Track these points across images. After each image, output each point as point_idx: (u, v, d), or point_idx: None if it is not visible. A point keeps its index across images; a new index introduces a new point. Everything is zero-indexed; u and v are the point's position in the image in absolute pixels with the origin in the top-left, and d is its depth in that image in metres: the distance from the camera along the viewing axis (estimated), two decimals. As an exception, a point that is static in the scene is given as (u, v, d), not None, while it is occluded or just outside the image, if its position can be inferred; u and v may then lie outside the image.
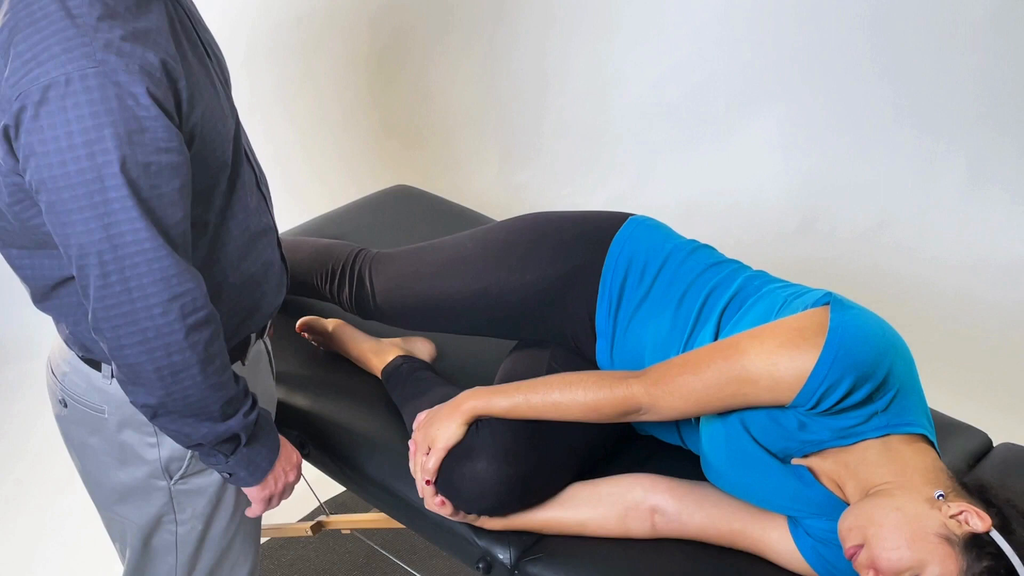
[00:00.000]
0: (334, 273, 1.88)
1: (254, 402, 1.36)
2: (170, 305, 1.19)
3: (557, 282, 1.67)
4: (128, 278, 1.16)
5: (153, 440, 1.41)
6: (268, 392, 1.59)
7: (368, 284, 1.82)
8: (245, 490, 1.47)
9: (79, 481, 1.59)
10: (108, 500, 1.53)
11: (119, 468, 1.46)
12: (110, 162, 1.10)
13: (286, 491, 1.51)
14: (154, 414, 1.28)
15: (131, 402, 1.28)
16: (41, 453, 2.59)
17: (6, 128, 1.12)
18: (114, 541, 1.64)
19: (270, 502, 1.49)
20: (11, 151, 1.14)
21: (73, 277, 1.25)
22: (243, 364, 1.47)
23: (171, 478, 1.45)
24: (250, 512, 1.52)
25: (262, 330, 1.51)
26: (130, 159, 1.11)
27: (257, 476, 1.43)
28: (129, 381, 1.25)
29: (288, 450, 1.48)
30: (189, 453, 1.43)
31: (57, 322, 1.40)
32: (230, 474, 1.41)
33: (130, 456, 1.43)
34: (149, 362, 1.21)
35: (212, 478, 1.47)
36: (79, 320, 1.33)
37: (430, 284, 1.76)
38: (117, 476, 1.47)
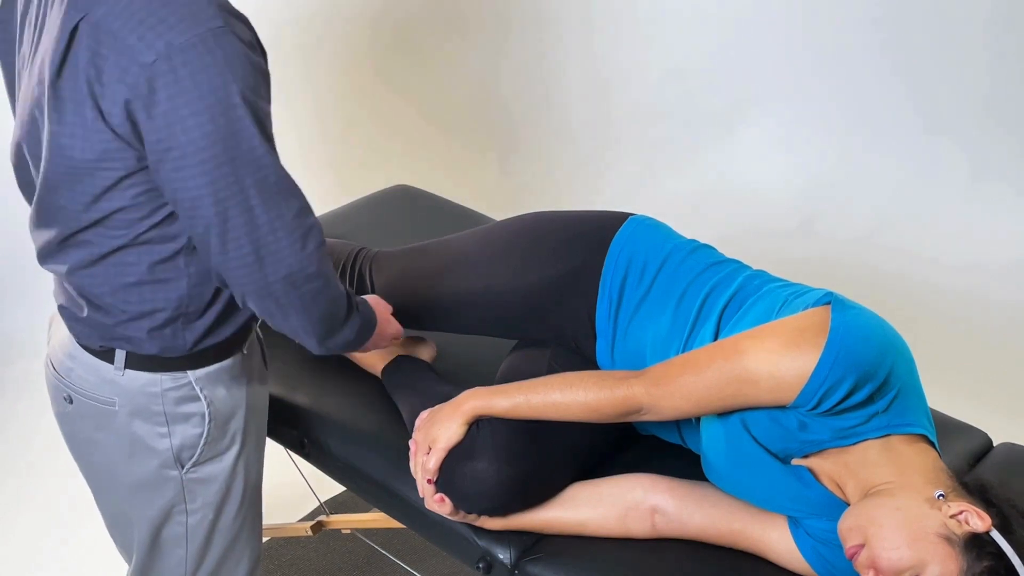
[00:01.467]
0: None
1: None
2: (306, 240, 1.28)
3: (558, 281, 1.67)
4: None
5: (164, 430, 1.42)
6: (262, 377, 1.58)
7: (368, 283, 1.82)
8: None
9: (82, 481, 1.59)
10: (116, 497, 1.53)
11: (129, 461, 1.46)
12: (242, 116, 1.20)
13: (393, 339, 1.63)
14: (321, 340, 1.39)
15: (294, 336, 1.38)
16: (43, 453, 2.60)
17: (134, 88, 1.17)
18: (120, 548, 1.64)
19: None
20: (132, 111, 1.18)
21: (133, 243, 1.29)
22: (243, 353, 1.48)
23: (183, 467, 1.46)
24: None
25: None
26: (252, 107, 1.21)
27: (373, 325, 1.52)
28: (280, 315, 1.33)
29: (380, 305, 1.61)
30: (202, 441, 1.44)
31: (81, 297, 1.36)
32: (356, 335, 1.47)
33: (140, 448, 1.44)
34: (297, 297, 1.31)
35: (222, 465, 1.49)
36: (119, 290, 1.33)
37: (431, 283, 1.76)
38: (127, 470, 1.47)
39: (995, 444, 1.81)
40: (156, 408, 1.41)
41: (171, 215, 1.29)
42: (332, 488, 2.35)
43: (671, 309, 1.59)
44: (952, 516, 1.30)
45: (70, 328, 1.41)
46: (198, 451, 1.45)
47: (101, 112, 1.20)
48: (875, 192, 3.54)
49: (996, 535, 1.28)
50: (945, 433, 1.66)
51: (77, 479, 1.63)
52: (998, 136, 3.45)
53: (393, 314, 1.75)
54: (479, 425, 1.52)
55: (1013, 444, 1.81)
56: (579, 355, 1.69)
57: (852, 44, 3.53)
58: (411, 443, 1.57)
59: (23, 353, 2.83)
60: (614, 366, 1.64)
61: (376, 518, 2.03)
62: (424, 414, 1.58)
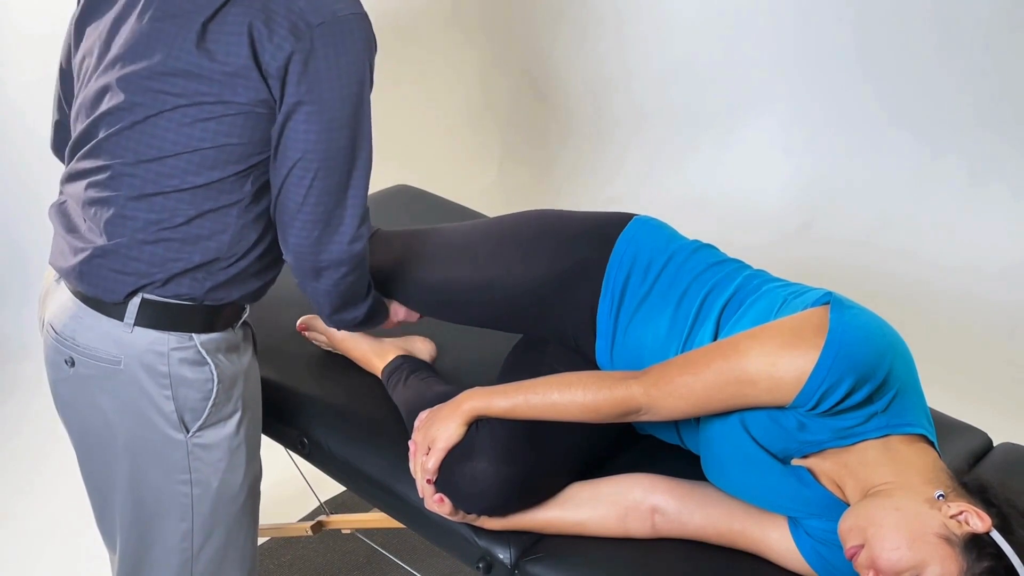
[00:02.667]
0: None
1: None
2: (363, 222, 1.48)
3: (561, 276, 1.66)
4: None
5: (168, 392, 1.46)
6: (253, 357, 1.62)
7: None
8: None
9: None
10: (115, 468, 1.53)
11: (134, 424, 1.48)
12: (368, 92, 1.42)
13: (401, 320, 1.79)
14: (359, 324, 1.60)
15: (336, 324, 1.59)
16: (45, 452, 2.60)
17: (300, 42, 1.33)
18: (105, 534, 1.63)
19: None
20: (290, 63, 1.34)
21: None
22: (233, 330, 1.53)
23: (188, 431, 1.49)
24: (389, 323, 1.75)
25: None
26: (371, 87, 1.43)
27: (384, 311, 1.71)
28: (312, 278, 1.50)
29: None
30: (210, 403, 1.49)
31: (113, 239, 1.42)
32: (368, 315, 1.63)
33: (147, 408, 1.46)
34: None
35: (226, 431, 1.53)
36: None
37: (431, 270, 1.74)
38: (132, 433, 1.49)
39: (995, 444, 1.81)
40: (162, 368, 1.45)
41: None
42: (332, 488, 2.35)
43: (671, 309, 1.58)
44: (952, 516, 1.30)
45: (82, 280, 1.44)
46: (205, 414, 1.49)
47: (256, 54, 1.34)
48: (875, 193, 3.54)
49: (996, 535, 1.28)
50: (945, 433, 1.66)
51: (80, 478, 1.63)
52: (997, 138, 3.45)
53: (387, 296, 1.78)
54: (478, 425, 1.52)
55: (1013, 444, 1.81)
56: (578, 355, 1.69)
57: (852, 46, 3.53)
58: (410, 443, 1.57)
59: (28, 353, 2.83)
60: (613, 366, 1.64)
61: (376, 518, 2.03)
62: (423, 414, 1.58)
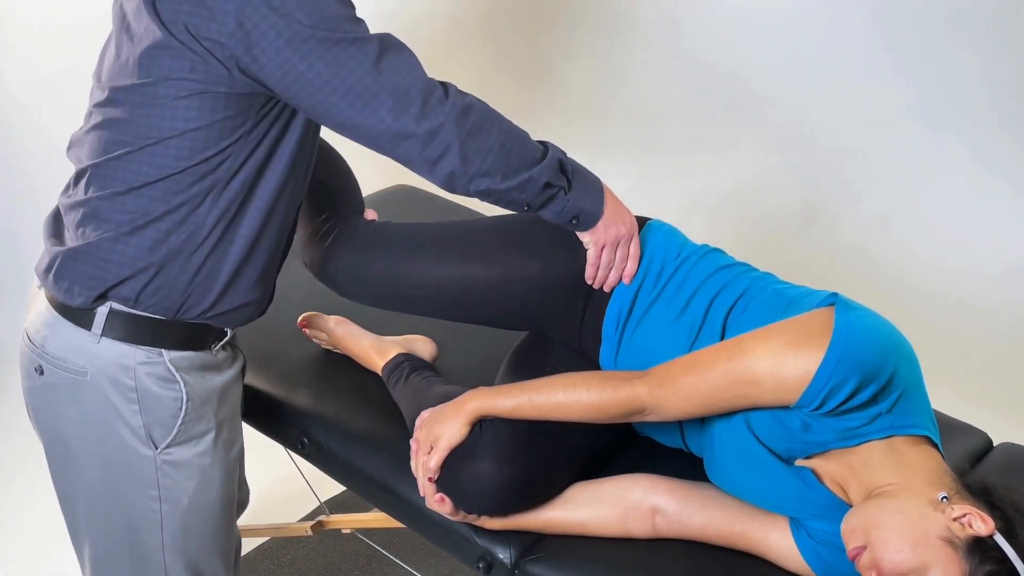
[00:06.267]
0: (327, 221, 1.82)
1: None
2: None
3: (577, 277, 1.64)
4: None
5: (136, 407, 1.43)
6: (235, 378, 1.58)
7: (338, 252, 1.76)
8: (580, 235, 1.56)
9: None
10: (84, 478, 1.51)
11: (101, 436, 1.46)
12: None
13: (619, 244, 1.58)
14: (496, 182, 1.42)
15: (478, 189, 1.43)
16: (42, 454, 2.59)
17: None
18: (76, 546, 1.61)
19: (601, 257, 1.58)
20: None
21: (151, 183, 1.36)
22: (211, 351, 1.49)
23: (156, 447, 1.46)
24: (588, 267, 1.59)
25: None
26: None
27: (599, 200, 1.52)
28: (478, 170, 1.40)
29: (616, 202, 1.57)
30: (179, 422, 1.45)
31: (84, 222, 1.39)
32: (576, 218, 1.51)
33: (113, 420, 1.44)
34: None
35: (197, 449, 1.49)
36: (123, 236, 1.38)
37: (442, 267, 1.70)
38: (99, 446, 1.47)
39: (995, 444, 1.81)
40: (128, 382, 1.42)
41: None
42: (332, 488, 2.35)
43: (679, 311, 1.58)
44: (955, 519, 1.30)
45: (55, 284, 1.42)
46: (174, 431, 1.46)
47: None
48: (876, 193, 3.54)
49: (1000, 539, 1.27)
50: (945, 433, 1.66)
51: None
52: (1001, 137, 3.45)
53: (386, 301, 1.75)
54: (482, 426, 1.51)
55: (1013, 444, 1.81)
56: (581, 356, 1.69)
57: (853, 44, 3.53)
58: (412, 442, 1.57)
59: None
60: (617, 367, 1.63)
61: (376, 518, 2.03)
62: (425, 413, 1.58)
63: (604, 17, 3.67)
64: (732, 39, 3.61)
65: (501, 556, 1.56)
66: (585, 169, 1.55)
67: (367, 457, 1.72)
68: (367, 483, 1.72)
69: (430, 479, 1.52)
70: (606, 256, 1.58)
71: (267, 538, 2.35)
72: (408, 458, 1.58)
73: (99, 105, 1.40)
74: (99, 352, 1.42)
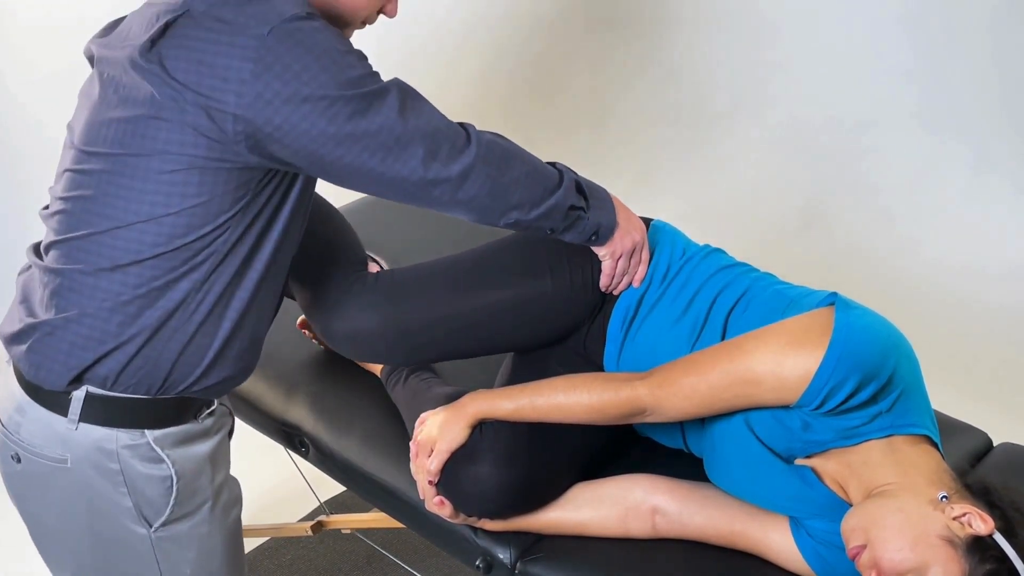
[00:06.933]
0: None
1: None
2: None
3: (586, 285, 1.63)
4: None
5: (124, 489, 1.35)
6: (223, 448, 1.48)
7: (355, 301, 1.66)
8: (596, 249, 1.56)
9: None
10: (75, 556, 1.42)
11: (90, 519, 1.38)
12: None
13: (634, 252, 1.59)
14: (526, 213, 1.41)
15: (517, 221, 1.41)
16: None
17: None
18: None
19: (617, 266, 1.58)
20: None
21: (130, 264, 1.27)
22: (197, 420, 1.39)
23: (151, 526, 1.38)
24: (604, 276, 1.59)
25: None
26: None
27: (612, 212, 1.52)
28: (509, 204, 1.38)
29: (625, 210, 1.57)
30: (171, 502, 1.37)
31: (51, 336, 1.30)
32: (595, 234, 1.50)
33: (102, 504, 1.36)
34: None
35: (194, 520, 1.42)
36: (106, 313, 1.28)
37: (465, 299, 1.62)
38: (89, 527, 1.38)
39: (995, 444, 1.81)
40: (112, 466, 1.33)
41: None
42: (332, 488, 2.35)
43: (680, 312, 1.58)
44: (955, 518, 1.30)
45: (27, 359, 1.32)
46: (168, 511, 1.38)
47: None
48: (876, 193, 3.54)
49: (999, 538, 1.27)
50: (945, 433, 1.66)
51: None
52: (1002, 136, 3.45)
53: (424, 348, 1.63)
54: (482, 428, 1.51)
55: (1013, 444, 1.81)
56: (583, 357, 1.69)
57: (853, 44, 3.52)
58: (412, 445, 1.56)
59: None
60: (620, 369, 1.63)
61: (376, 518, 2.03)
62: (425, 415, 1.57)
63: (604, 17, 3.67)
64: (732, 38, 3.61)
65: (501, 556, 1.56)
66: (593, 183, 1.54)
67: (367, 457, 1.72)
68: (367, 483, 1.72)
69: (430, 482, 1.52)
70: (621, 265, 1.58)
71: (267, 538, 2.35)
72: (408, 458, 1.58)
73: (78, 172, 1.31)
74: (78, 439, 1.32)
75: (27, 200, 2.86)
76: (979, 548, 1.27)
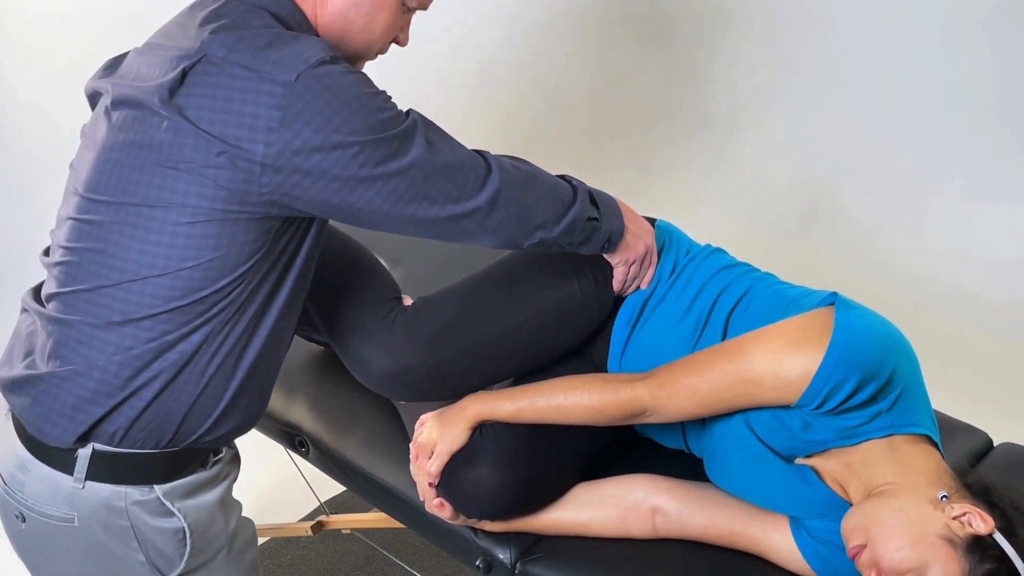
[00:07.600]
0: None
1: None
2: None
3: (597, 290, 1.62)
4: None
5: (135, 544, 1.31)
6: (229, 487, 1.43)
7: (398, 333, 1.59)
8: (609, 257, 1.57)
9: None
10: None
11: (103, 571, 1.34)
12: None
13: (646, 256, 1.60)
14: (549, 231, 1.41)
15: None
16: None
17: None
18: None
19: (629, 271, 1.59)
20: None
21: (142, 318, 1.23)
22: (205, 468, 1.36)
23: None
24: (616, 282, 1.59)
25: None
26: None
27: (620, 218, 1.53)
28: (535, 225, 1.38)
29: (633, 214, 1.58)
30: (186, 553, 1.33)
31: (53, 390, 1.26)
32: (608, 241, 1.50)
33: (113, 561, 1.33)
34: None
35: (211, 568, 1.38)
36: (111, 365, 1.25)
37: (498, 321, 1.59)
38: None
39: (995, 444, 1.81)
40: (122, 523, 1.30)
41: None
42: (332, 488, 2.35)
43: (683, 311, 1.59)
44: (955, 518, 1.30)
45: (31, 413, 1.28)
46: (183, 564, 1.34)
47: None
48: (876, 192, 3.54)
49: (999, 537, 1.27)
50: (946, 433, 1.66)
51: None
52: (1001, 135, 3.45)
53: (452, 380, 1.58)
54: (482, 430, 1.51)
55: (1013, 444, 1.81)
56: (584, 357, 1.69)
57: (851, 45, 3.53)
58: (412, 446, 1.56)
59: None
60: (622, 369, 1.63)
61: (376, 518, 2.03)
62: (425, 417, 1.58)
63: (604, 17, 3.67)
64: (732, 38, 3.61)
65: (501, 556, 1.56)
66: (600, 191, 1.54)
67: (367, 457, 1.72)
68: (367, 483, 1.72)
69: (430, 484, 1.52)
70: (633, 270, 1.59)
71: (267, 538, 2.35)
72: (408, 458, 1.58)
73: (83, 222, 1.26)
74: (85, 497, 1.27)
75: (29, 199, 2.86)
76: (979, 547, 1.27)
